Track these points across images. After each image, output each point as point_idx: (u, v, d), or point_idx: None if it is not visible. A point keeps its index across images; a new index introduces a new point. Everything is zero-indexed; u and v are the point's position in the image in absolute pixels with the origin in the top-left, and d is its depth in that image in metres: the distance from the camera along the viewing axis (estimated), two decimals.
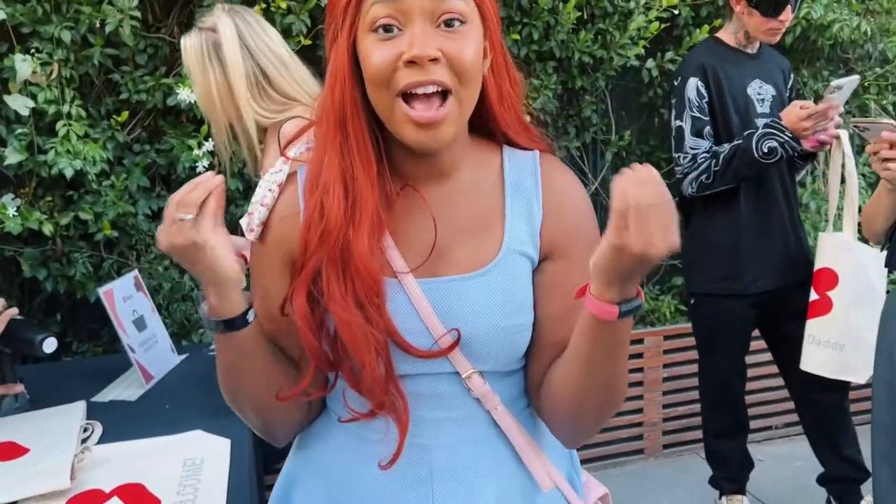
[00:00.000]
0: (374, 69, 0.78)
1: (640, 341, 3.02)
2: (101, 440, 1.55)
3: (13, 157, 2.16)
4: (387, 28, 0.78)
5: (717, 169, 2.20)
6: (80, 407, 1.68)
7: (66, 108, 2.17)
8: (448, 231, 0.88)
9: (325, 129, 0.85)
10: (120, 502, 1.27)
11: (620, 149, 3.09)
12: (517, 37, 2.68)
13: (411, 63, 0.77)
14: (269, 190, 0.91)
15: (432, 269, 0.87)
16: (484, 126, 0.92)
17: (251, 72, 1.70)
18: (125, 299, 1.91)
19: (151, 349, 1.94)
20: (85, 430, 1.58)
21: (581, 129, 3.04)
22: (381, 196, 0.84)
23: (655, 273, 3.25)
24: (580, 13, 2.73)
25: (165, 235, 0.79)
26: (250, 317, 0.84)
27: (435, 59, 0.77)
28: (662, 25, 2.78)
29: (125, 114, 2.29)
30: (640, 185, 0.69)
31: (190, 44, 1.72)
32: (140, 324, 1.93)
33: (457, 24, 0.79)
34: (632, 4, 2.79)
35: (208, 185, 0.80)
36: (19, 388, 1.73)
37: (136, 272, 2.02)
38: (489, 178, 0.92)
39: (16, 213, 2.08)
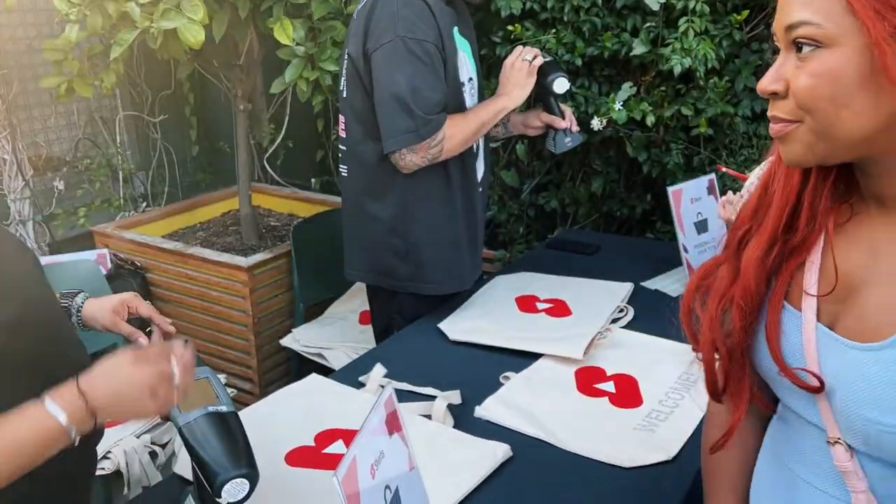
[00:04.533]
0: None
1: None
2: (629, 325, 1.74)
3: (638, 48, 2.38)
4: (776, 50, 0.70)
5: None
6: (626, 288, 1.89)
7: (691, 4, 2.25)
8: (871, 273, 0.70)
9: None
10: (613, 388, 1.45)
11: None
12: None
13: None
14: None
15: (834, 312, 0.72)
16: None
17: None
18: (693, 200, 2.01)
19: (705, 253, 2.01)
20: (620, 311, 1.80)
21: None
22: (805, 207, 0.73)
23: None
24: None
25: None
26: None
27: (775, 93, 0.67)
28: None
29: (745, 13, 2.25)
30: None
31: None
32: (701, 227, 2.01)
33: (805, 49, 0.65)
34: None
35: None
36: (564, 124, 1.93)
37: (712, 176, 2.07)
38: None
39: (621, 108, 2.33)
